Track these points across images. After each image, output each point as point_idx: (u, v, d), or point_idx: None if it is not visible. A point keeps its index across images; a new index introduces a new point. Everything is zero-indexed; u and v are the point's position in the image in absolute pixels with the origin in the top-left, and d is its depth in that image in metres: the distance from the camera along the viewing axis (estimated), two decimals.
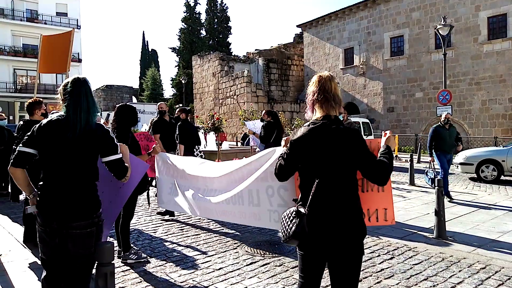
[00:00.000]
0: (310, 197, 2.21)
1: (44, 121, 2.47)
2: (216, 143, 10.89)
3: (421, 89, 23.68)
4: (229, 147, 12.14)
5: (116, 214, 3.26)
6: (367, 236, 5.47)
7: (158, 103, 7.63)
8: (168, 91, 60.51)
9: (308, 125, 2.33)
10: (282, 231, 2.29)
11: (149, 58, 59.34)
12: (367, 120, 19.92)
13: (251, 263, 4.41)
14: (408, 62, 24.29)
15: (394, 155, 17.71)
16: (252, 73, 31.39)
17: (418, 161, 16.70)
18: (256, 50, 34.82)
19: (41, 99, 5.41)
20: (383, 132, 2.59)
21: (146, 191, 5.22)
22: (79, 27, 39.57)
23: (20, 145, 2.44)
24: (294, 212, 2.25)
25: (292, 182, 2.87)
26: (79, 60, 39.43)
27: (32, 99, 5.30)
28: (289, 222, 2.24)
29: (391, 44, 25.42)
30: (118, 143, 2.56)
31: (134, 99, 54.74)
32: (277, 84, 32.94)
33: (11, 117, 32.13)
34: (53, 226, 2.32)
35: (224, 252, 4.82)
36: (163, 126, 7.04)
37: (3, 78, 34.77)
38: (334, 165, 2.21)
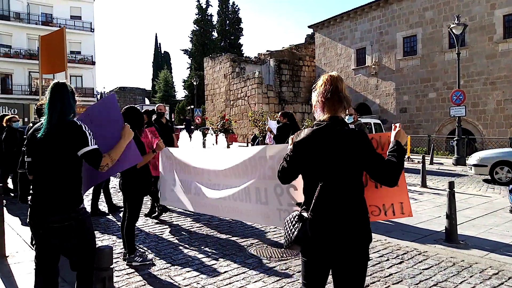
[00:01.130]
0: (313, 201, 2.15)
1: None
2: (228, 144, 10.89)
3: (434, 89, 23.34)
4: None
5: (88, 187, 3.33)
6: (375, 239, 5.42)
7: (157, 105, 7.61)
8: (180, 93, 60.90)
9: (312, 127, 2.28)
10: (285, 235, 2.23)
11: (161, 60, 59.80)
12: (378, 121, 19.70)
13: (256, 267, 4.35)
14: (421, 62, 23.96)
15: (406, 156, 17.59)
16: (263, 74, 31.35)
17: (431, 163, 16.45)
18: (267, 51, 34.78)
19: None
20: (393, 125, 2.48)
21: (152, 192, 5.21)
22: (92, 30, 40.11)
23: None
24: (296, 217, 2.20)
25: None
26: (93, 63, 39.93)
27: (42, 102, 5.32)
28: (291, 227, 2.19)
29: (404, 44, 25.10)
30: (89, 136, 2.60)
31: (147, 101, 55.21)
32: (288, 85, 32.82)
33: (25, 119, 32.61)
34: (35, 220, 2.56)
35: (230, 254, 4.78)
36: (160, 128, 7.01)
37: (19, 81, 35.42)
38: (338, 168, 2.14)
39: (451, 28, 17.11)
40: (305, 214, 2.18)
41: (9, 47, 34.86)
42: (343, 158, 2.12)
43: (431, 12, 23.46)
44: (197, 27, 47.73)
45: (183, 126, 25.81)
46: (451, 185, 5.50)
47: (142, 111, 7.04)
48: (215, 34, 48.76)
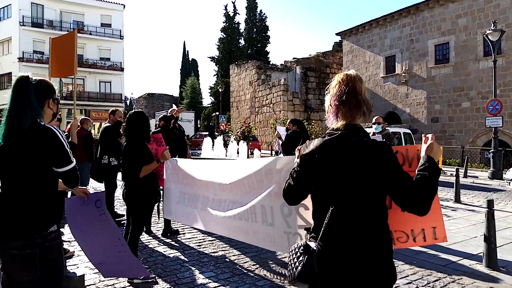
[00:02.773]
0: (323, 229, 1.72)
1: None
2: (249, 152, 10.53)
3: (468, 98, 22.27)
4: (261, 156, 11.71)
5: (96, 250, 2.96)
6: (403, 261, 4.88)
7: (170, 109, 7.27)
8: (207, 100, 61.11)
9: (324, 136, 1.85)
10: (289, 269, 1.81)
11: (189, 67, 60.37)
12: (408, 131, 18.82)
13: None
14: (454, 70, 22.95)
15: None
16: (289, 82, 30.95)
17: (465, 176, 15.54)
18: (294, 58, 34.40)
19: None
20: (423, 136, 1.99)
21: (157, 203, 4.87)
22: (122, 37, 40.89)
23: None
24: (302, 247, 1.77)
25: None
26: (121, 69, 40.66)
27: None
28: (295, 259, 1.76)
29: (436, 51, 24.16)
30: (68, 149, 2.21)
31: (174, 107, 55.68)
32: (315, 92, 32.25)
33: None
34: None
35: (240, 275, 4.36)
36: (173, 133, 6.60)
37: None
38: (352, 189, 1.71)
39: (487, 34, 16.24)
40: (312, 244, 1.75)
41: (42, 53, 35.87)
42: (360, 177, 1.69)
43: (465, 19, 22.49)
44: (224, 35, 47.91)
45: (207, 133, 25.72)
46: (490, 203, 4.90)
47: (160, 116, 6.74)
48: (242, 41, 48.80)
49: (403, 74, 25.74)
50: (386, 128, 7.26)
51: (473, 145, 21.70)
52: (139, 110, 4.56)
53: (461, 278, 4.36)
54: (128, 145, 4.14)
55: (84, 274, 1.95)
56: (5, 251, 2.06)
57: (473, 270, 4.68)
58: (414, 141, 18.01)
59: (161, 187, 4.67)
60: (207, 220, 3.55)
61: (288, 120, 7.49)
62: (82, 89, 38.99)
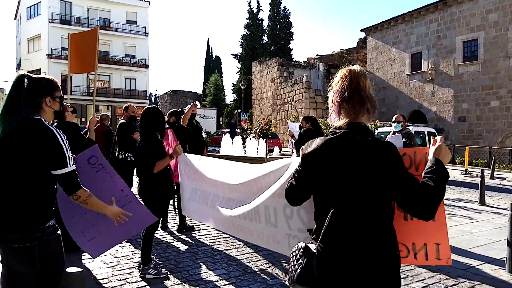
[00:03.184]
0: (323, 231, 1.66)
1: None
2: (268, 150, 10.47)
3: (497, 97, 21.53)
4: (280, 155, 11.63)
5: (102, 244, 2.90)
6: (420, 265, 4.73)
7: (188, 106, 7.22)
8: (230, 97, 61.34)
9: (326, 135, 1.79)
10: (289, 271, 1.75)
11: (212, 65, 60.65)
12: (433, 130, 18.39)
13: None
14: (483, 68, 22.22)
15: (464, 169, 16.20)
16: (312, 79, 30.69)
17: (491, 177, 15.02)
18: (317, 55, 34.09)
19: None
20: (432, 138, 1.91)
21: (172, 199, 4.89)
22: (147, 34, 41.45)
23: None
24: (301, 249, 1.71)
25: None
26: (146, 66, 41.24)
27: None
28: (295, 262, 1.70)
29: (464, 48, 23.43)
30: (67, 151, 2.17)
31: (198, 104, 56.12)
32: None
33: (83, 119, 34.10)
34: None
35: (252, 273, 4.33)
36: (192, 130, 6.53)
37: (77, 83, 37.19)
38: (354, 191, 1.64)
39: None
40: (312, 246, 1.69)
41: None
42: (362, 179, 1.62)
43: (495, 14, 21.71)
44: (247, 32, 47.85)
45: (228, 130, 25.73)
46: None
47: (169, 111, 6.69)
48: (265, 38, 48.65)
49: (429, 72, 25.10)
50: (407, 127, 7.04)
51: (501, 146, 20.97)
52: (153, 106, 4.58)
53: (481, 284, 4.20)
54: (142, 140, 4.16)
55: (83, 270, 1.92)
56: (5, 244, 2.09)
57: (494, 276, 4.49)
58: None
59: (175, 183, 4.67)
60: (216, 217, 3.53)
61: (301, 118, 7.31)
62: (108, 85, 39.79)
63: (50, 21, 36.51)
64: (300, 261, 1.67)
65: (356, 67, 1.83)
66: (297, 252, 1.71)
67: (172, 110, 6.60)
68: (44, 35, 36.88)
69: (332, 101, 1.80)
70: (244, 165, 3.32)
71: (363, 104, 1.72)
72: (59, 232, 2.28)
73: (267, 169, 2.88)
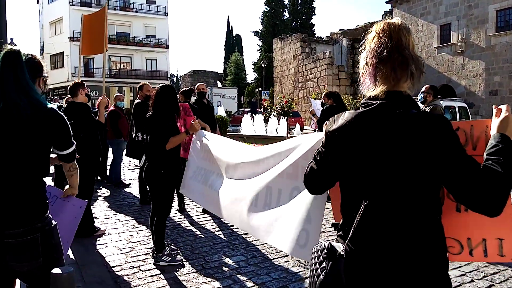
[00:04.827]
0: (353, 228, 1.32)
1: None
2: (288, 128, 10.12)
3: None
4: (301, 133, 11.26)
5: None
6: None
7: (198, 84, 6.93)
8: (250, 76, 60.70)
9: (358, 108, 1.42)
10: (309, 276, 1.43)
11: (233, 43, 59.91)
12: (464, 105, 17.40)
13: (300, 279, 3.59)
14: None
15: None
16: (335, 55, 29.77)
17: None
18: (340, 30, 32.96)
19: (83, 81, 5.02)
20: (494, 108, 1.47)
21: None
22: (166, 14, 41.10)
23: None
24: (325, 250, 1.38)
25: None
26: (167, 46, 41.04)
27: (75, 81, 4.96)
28: (317, 265, 1.38)
29: (497, 17, 22.02)
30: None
31: (219, 84, 55.87)
32: None
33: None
34: None
35: (271, 260, 4.06)
36: (200, 109, 6.26)
37: (99, 65, 37.37)
38: (395, 178, 1.28)
39: None
40: (339, 246, 1.36)
41: None
42: (404, 163, 1.26)
43: None
44: (268, 8, 46.77)
45: (249, 109, 25.39)
46: None
47: (181, 91, 6.45)
48: (286, 14, 47.47)
49: (459, 44, 23.84)
50: (435, 101, 6.27)
51: None
52: (167, 84, 4.28)
53: None
54: (157, 117, 3.88)
55: (73, 270, 1.66)
56: (2, 241, 1.88)
57: None
58: (470, 116, 16.69)
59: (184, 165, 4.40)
60: (209, 199, 3.22)
61: (323, 94, 6.81)
62: (130, 67, 39.84)
63: (71, 3, 36.56)
64: (324, 264, 1.35)
65: (396, 19, 1.42)
66: (319, 253, 1.39)
67: (182, 89, 6.38)
68: (66, 18, 37.00)
69: (366, 63, 1.41)
70: (261, 148, 2.94)
71: (406, 67, 1.33)
72: (55, 222, 2.10)
73: (279, 148, 2.50)
